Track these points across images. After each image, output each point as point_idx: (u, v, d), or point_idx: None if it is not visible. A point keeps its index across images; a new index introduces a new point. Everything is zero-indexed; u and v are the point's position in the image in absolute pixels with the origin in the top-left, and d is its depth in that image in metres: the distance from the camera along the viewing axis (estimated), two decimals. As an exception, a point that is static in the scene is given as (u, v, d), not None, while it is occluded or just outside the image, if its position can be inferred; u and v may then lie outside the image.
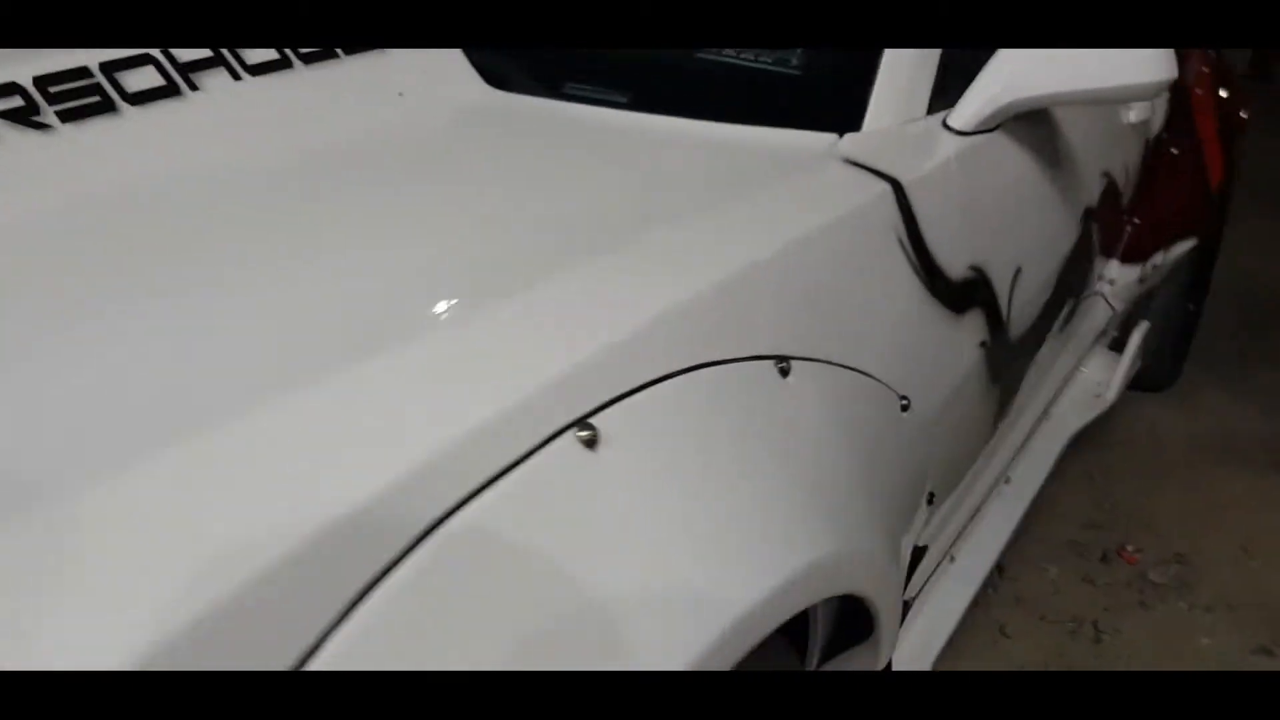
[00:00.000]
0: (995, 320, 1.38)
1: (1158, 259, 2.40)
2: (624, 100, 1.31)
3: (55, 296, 0.84)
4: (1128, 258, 2.27)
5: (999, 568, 2.12)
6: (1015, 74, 1.30)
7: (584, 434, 0.77)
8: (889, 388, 1.12)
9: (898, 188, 1.17)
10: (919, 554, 1.41)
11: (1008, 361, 1.49)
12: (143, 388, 0.73)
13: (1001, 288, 1.39)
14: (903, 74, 1.30)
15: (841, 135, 1.23)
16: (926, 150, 1.28)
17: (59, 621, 0.58)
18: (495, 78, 1.34)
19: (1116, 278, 2.24)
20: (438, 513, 0.69)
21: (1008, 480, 1.93)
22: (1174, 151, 2.42)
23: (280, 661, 0.62)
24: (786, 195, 1.13)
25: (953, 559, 1.70)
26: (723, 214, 1.05)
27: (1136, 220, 2.26)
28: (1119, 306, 2.30)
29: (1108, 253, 2.16)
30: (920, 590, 1.53)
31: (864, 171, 1.18)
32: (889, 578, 1.09)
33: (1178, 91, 2.36)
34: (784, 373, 0.98)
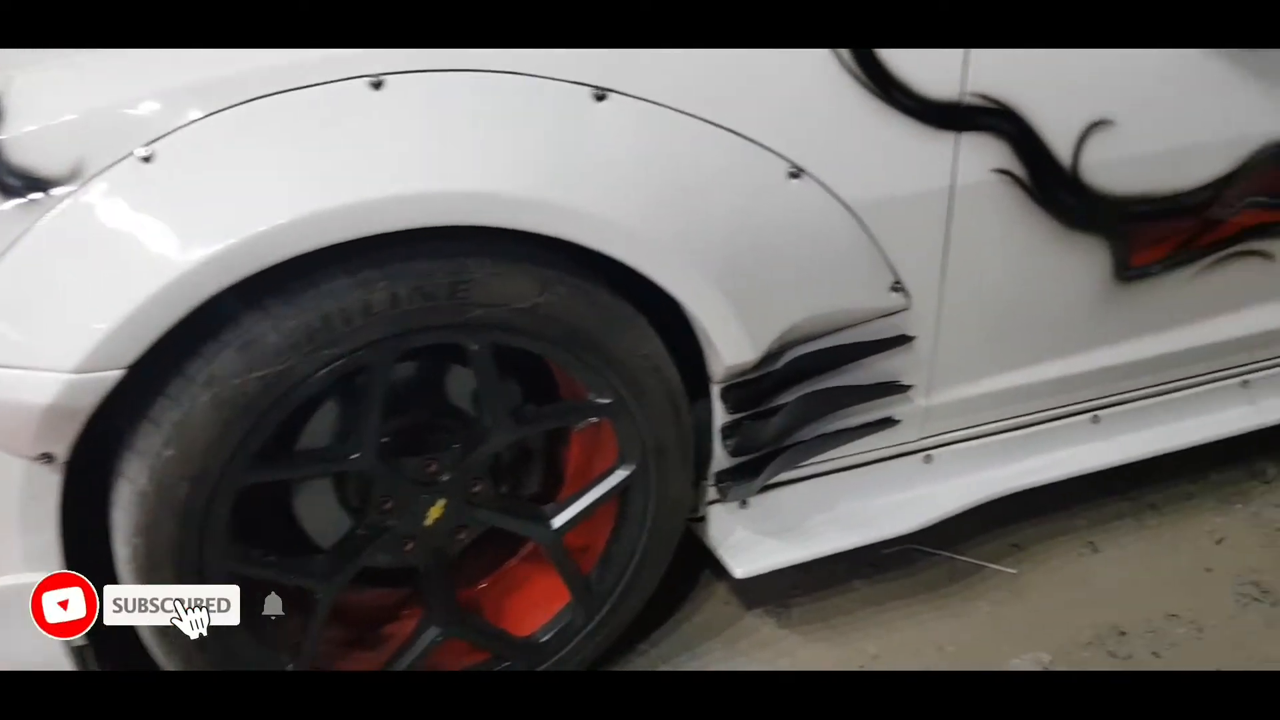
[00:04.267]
0: (1036, 157, 1.44)
1: None
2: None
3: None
4: None
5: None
6: None
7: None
8: (771, 152, 1.31)
9: None
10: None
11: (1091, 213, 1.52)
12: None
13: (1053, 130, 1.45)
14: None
15: None
16: None
17: None
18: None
19: None
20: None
21: (1096, 419, 1.75)
22: None
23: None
24: None
25: (929, 459, 1.65)
26: None
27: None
28: None
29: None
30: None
31: None
32: (696, 278, 1.30)
33: None
34: (599, 98, 1.20)
